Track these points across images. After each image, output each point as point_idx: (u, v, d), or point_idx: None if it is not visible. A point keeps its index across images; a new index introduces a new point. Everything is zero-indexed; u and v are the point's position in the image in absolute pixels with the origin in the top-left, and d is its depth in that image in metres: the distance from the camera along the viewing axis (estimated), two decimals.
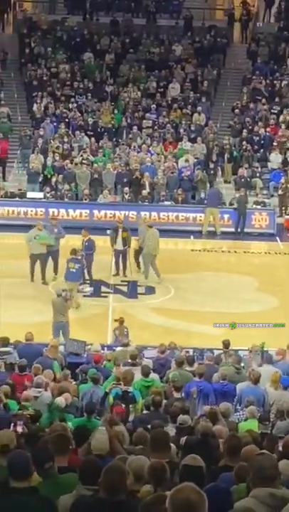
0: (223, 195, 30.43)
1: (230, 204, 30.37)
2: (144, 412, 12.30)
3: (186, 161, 31.82)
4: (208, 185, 31.51)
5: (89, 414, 11.34)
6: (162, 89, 36.59)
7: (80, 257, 22.03)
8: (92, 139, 33.34)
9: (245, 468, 6.88)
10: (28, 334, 16.45)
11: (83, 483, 6.23)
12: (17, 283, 23.22)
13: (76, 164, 31.42)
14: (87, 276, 23.22)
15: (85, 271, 23.01)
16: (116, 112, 35.32)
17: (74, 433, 9.17)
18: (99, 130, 34.27)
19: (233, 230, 29.53)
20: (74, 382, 14.47)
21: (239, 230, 29.41)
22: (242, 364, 15.45)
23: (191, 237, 29.22)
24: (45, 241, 23.26)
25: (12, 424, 9.21)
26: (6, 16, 40.56)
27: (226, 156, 33.08)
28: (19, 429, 8.90)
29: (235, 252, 28.00)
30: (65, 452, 7.31)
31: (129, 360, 14.91)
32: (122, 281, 23.85)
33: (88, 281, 23.22)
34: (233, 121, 35.04)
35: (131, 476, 6.32)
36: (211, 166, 32.46)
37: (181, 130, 34.31)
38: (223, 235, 29.29)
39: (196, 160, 32.45)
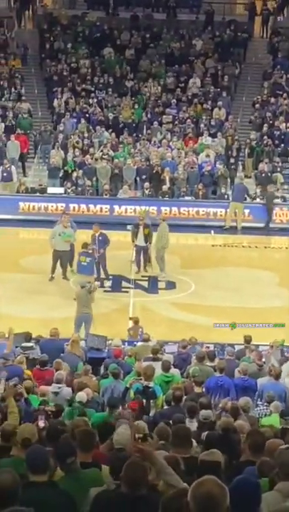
0: (249, 192, 30.24)
1: (253, 198, 30.21)
2: (165, 407, 12.30)
3: (207, 156, 31.73)
4: (228, 180, 31.43)
5: (111, 409, 11.35)
6: (182, 84, 36.51)
7: (90, 251, 22.00)
8: (113, 134, 33.32)
9: (267, 462, 6.86)
10: (53, 330, 16.47)
11: (114, 477, 6.24)
12: (38, 278, 23.28)
13: (96, 159, 31.41)
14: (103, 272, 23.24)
15: (101, 266, 23.00)
16: (136, 107, 35.26)
17: (98, 429, 9.18)
18: (119, 125, 34.26)
19: (252, 224, 29.42)
20: (94, 378, 14.49)
21: (263, 225, 29.32)
22: (263, 360, 15.42)
23: (212, 232, 29.14)
24: (70, 239, 23.23)
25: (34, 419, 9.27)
26: (26, 11, 40.58)
27: (247, 150, 32.97)
28: (41, 423, 8.96)
29: (256, 247, 27.90)
30: (90, 449, 7.31)
31: (151, 355, 14.91)
32: (142, 276, 23.88)
33: (105, 277, 23.24)
34: (254, 116, 34.93)
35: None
36: (232, 160, 32.35)
37: (202, 125, 34.20)
38: (244, 230, 29.21)
39: (216, 155, 32.37)
